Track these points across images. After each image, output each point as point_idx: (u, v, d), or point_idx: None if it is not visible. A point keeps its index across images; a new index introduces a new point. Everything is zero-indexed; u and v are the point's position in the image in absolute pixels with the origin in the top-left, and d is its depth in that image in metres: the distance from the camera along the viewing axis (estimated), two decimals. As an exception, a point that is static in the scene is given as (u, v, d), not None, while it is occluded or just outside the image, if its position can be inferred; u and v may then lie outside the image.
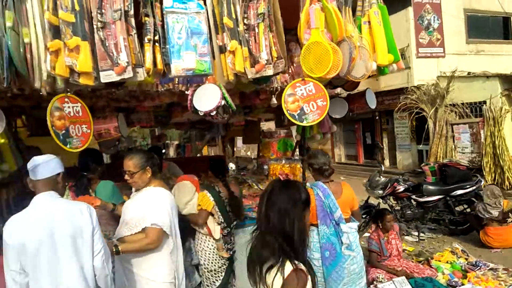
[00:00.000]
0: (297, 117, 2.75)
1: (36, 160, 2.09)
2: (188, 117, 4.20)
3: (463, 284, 4.10)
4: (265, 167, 5.09)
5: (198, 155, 11.29)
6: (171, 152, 16.60)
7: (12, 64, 2.00)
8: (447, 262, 4.63)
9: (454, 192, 5.76)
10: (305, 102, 2.72)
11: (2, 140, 2.86)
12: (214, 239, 3.17)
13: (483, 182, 6.09)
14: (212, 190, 3.26)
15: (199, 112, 2.46)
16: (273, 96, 3.50)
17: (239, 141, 12.03)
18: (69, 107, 2.27)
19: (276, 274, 1.43)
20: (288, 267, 1.44)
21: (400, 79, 12.64)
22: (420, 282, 3.85)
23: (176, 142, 16.70)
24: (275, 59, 2.52)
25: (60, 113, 2.24)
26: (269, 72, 2.52)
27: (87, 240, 2.06)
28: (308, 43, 2.60)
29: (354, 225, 2.99)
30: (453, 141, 11.97)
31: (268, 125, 8.03)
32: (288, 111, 2.74)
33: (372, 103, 3.36)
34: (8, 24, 2.02)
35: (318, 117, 2.73)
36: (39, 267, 1.97)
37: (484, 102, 10.81)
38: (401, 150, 14.73)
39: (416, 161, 13.67)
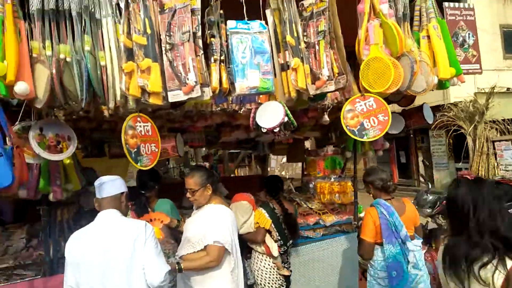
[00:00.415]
0: (357, 132, 2.71)
1: (102, 179, 2.16)
2: (237, 136, 4.24)
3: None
4: (311, 185, 5.04)
5: (232, 175, 11.35)
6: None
7: (91, 85, 2.10)
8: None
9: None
10: (365, 118, 2.69)
11: (68, 161, 2.97)
12: (272, 257, 3.13)
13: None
14: (267, 207, 3.25)
15: (262, 129, 2.47)
16: (325, 113, 3.49)
17: (273, 161, 12.04)
18: (140, 126, 2.34)
19: (495, 270, 1.55)
20: (509, 262, 1.56)
21: (435, 97, 12.36)
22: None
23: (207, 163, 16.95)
24: (336, 75, 2.53)
25: (133, 132, 2.31)
26: (330, 88, 2.52)
27: (139, 256, 2.07)
28: (368, 59, 2.59)
29: (419, 242, 2.88)
30: (495, 159, 11.50)
31: (306, 144, 8.01)
32: (348, 127, 2.72)
33: (430, 118, 3.29)
34: (87, 48, 2.13)
35: (379, 132, 2.69)
36: (91, 283, 2.00)
37: (528, 117, 10.40)
38: (438, 169, 14.26)
39: (455, 179, 13.15)
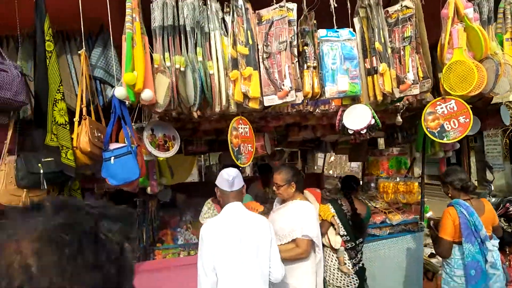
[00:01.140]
0: (437, 134, 2.81)
1: (231, 173, 2.42)
2: (305, 135, 4.43)
3: None
4: (372, 184, 5.13)
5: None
6: (247, 171, 17.19)
7: (203, 92, 2.36)
8: None
9: None
10: (446, 120, 2.78)
11: (161, 158, 3.29)
12: (334, 251, 3.27)
13: None
14: (334, 203, 3.40)
15: (349, 130, 2.64)
16: (398, 114, 3.59)
17: (320, 159, 12.09)
18: (241, 128, 2.59)
19: None
20: None
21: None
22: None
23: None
24: (421, 78, 2.64)
25: (236, 133, 2.57)
26: (415, 91, 2.65)
27: (266, 248, 2.32)
28: (450, 62, 2.68)
29: (497, 242, 2.93)
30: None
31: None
32: (428, 129, 2.82)
33: (506, 119, 3.31)
34: (200, 58, 2.40)
35: (460, 134, 2.77)
36: (228, 267, 2.25)
37: None
38: (493, 170, 13.67)
39: (510, 181, 12.59)
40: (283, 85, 2.48)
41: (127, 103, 2.34)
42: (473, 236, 2.83)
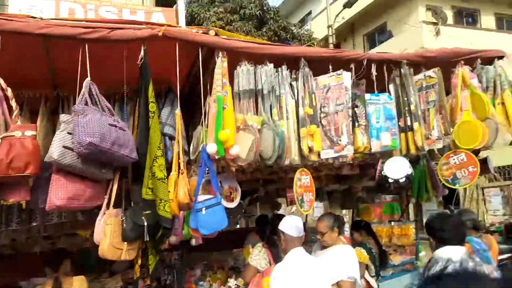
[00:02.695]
0: (450, 181, 3.37)
1: (299, 221, 2.69)
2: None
3: None
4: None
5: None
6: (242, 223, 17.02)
7: (280, 147, 2.69)
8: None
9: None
10: (458, 169, 3.35)
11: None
12: None
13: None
14: (365, 246, 3.77)
15: (389, 179, 3.10)
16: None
17: (316, 209, 12.48)
18: (304, 178, 2.92)
19: None
20: None
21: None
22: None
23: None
24: (443, 135, 3.23)
25: (300, 183, 2.89)
26: (438, 145, 3.22)
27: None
28: (460, 122, 3.32)
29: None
30: (484, 204, 12.36)
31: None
32: (443, 177, 3.38)
33: (492, 168, 4.02)
34: (276, 118, 2.76)
35: (469, 181, 3.35)
36: None
37: (514, 165, 11.46)
38: (427, 214, 15.02)
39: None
40: (340, 140, 2.91)
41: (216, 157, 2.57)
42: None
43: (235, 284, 3.64)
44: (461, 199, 12.55)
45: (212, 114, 2.58)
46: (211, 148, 2.47)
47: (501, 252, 6.17)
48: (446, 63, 3.44)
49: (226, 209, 2.64)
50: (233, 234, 5.10)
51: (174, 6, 9.50)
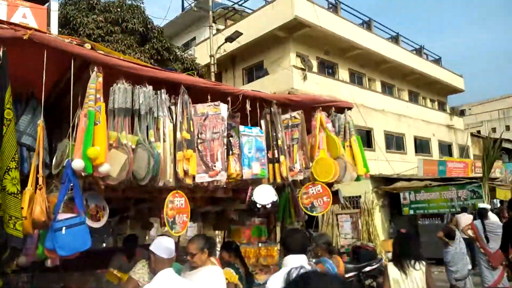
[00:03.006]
0: (308, 209, 3.81)
1: (171, 242, 2.64)
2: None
3: None
4: (234, 251, 5.73)
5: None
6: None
7: (154, 168, 2.66)
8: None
9: (365, 268, 7.24)
10: (315, 199, 3.82)
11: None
12: None
13: (383, 260, 7.77)
14: (233, 267, 3.89)
15: (257, 204, 3.32)
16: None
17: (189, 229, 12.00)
18: (177, 200, 2.91)
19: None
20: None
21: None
22: None
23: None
24: (304, 168, 3.64)
25: (172, 205, 2.86)
26: (300, 177, 3.62)
27: None
28: (317, 159, 3.81)
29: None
30: (338, 228, 14.18)
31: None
32: (303, 205, 3.79)
33: (341, 199, 4.67)
34: (152, 139, 2.73)
35: (324, 209, 3.85)
36: None
37: (360, 196, 13.46)
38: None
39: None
40: (215, 166, 3.03)
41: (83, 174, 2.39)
42: None
43: None
44: (320, 223, 14.06)
45: (81, 128, 2.41)
46: (78, 164, 2.30)
47: (348, 271, 7.06)
48: (308, 107, 3.95)
49: (91, 228, 2.44)
50: (98, 254, 4.66)
51: (46, 4, 8.60)
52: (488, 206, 7.42)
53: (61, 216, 2.32)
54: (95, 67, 2.61)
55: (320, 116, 3.92)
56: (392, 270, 3.42)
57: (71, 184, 2.32)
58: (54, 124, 3.10)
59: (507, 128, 30.79)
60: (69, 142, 2.46)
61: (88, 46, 2.69)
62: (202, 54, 16.11)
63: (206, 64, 14.59)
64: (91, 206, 2.73)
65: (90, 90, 2.49)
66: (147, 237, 7.03)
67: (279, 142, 3.45)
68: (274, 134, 3.48)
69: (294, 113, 3.71)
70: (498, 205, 11.48)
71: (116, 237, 7.36)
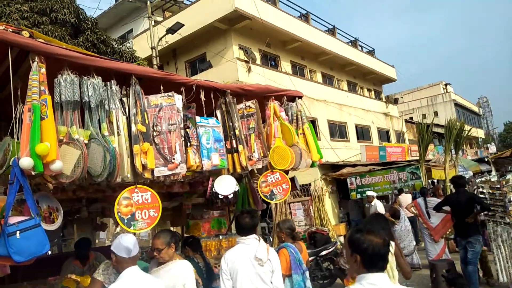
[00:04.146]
0: (268, 196, 3.84)
1: (131, 240, 2.51)
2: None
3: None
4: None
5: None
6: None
7: (111, 163, 2.50)
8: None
9: (322, 252, 7.50)
10: (274, 186, 3.86)
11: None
12: None
13: (337, 243, 8.10)
14: (191, 261, 3.81)
15: (219, 195, 3.27)
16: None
17: (102, 233, 11.43)
18: (138, 196, 2.76)
19: None
20: None
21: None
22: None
23: None
24: (262, 157, 3.65)
25: (128, 202, 2.72)
26: (259, 166, 3.62)
27: None
28: (274, 147, 3.84)
29: (308, 273, 4.06)
30: (291, 217, 14.53)
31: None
32: (263, 193, 3.81)
33: (298, 185, 4.77)
34: (106, 133, 2.56)
35: (283, 196, 3.90)
36: None
37: (310, 184, 13.88)
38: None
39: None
40: (174, 159, 2.93)
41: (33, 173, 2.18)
42: (299, 269, 3.86)
43: None
44: (273, 213, 14.25)
45: (26, 124, 2.20)
46: (26, 162, 2.10)
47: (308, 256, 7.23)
48: (261, 96, 3.96)
49: (46, 231, 2.25)
50: (46, 261, 4.30)
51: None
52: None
53: (12, 219, 2.11)
54: (36, 57, 2.39)
55: (273, 105, 3.95)
56: None
57: (19, 186, 2.11)
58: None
59: (436, 113, 33.45)
60: (12, 140, 2.23)
61: (26, 34, 2.45)
62: (140, 47, 15.50)
63: (147, 57, 14.07)
64: (43, 207, 2.51)
65: (32, 82, 2.28)
66: (96, 240, 6.67)
67: (236, 131, 3.42)
68: (231, 124, 3.45)
69: (249, 103, 3.69)
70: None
71: (61, 243, 6.90)
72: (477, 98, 54.62)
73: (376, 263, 1.77)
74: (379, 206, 9.25)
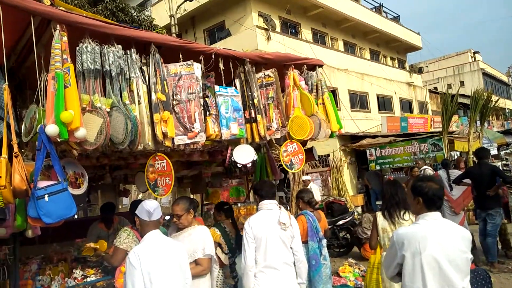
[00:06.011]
0: (289, 166, 3.86)
1: (152, 205, 2.60)
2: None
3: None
4: (211, 212, 5.78)
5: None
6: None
7: (132, 131, 2.56)
8: (349, 272, 6.20)
9: (339, 222, 7.59)
10: (293, 156, 3.88)
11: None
12: (221, 267, 3.79)
13: (355, 213, 8.16)
14: (219, 226, 3.92)
15: (238, 164, 3.32)
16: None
17: (125, 199, 11.86)
18: (158, 163, 2.84)
19: None
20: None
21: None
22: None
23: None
24: (280, 127, 3.65)
25: (152, 169, 2.80)
26: (277, 136, 3.62)
27: (185, 265, 2.66)
28: (292, 117, 3.82)
29: (325, 241, 4.14)
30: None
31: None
32: (284, 162, 3.84)
33: (316, 156, 4.76)
34: (127, 102, 2.60)
35: (299, 166, 3.92)
36: (159, 285, 2.47)
37: (328, 155, 13.85)
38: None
39: (279, 206, 15.84)
40: (193, 127, 2.96)
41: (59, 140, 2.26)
42: (315, 236, 3.94)
43: (82, 275, 3.31)
44: (291, 183, 14.38)
45: (50, 92, 2.26)
46: (52, 129, 2.17)
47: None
48: (281, 65, 3.90)
49: (73, 196, 2.36)
50: (73, 224, 4.55)
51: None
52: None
53: (41, 184, 2.22)
54: (57, 25, 2.41)
55: (293, 74, 3.89)
56: (381, 220, 3.58)
57: (47, 151, 2.20)
58: (16, 91, 2.89)
59: (462, 83, 32.26)
60: (38, 107, 2.31)
61: (47, 2, 2.46)
62: (159, 15, 15.36)
63: (165, 25, 13.95)
64: (69, 173, 2.62)
65: (55, 51, 2.31)
66: (120, 206, 6.93)
67: (255, 101, 3.41)
68: (250, 93, 3.43)
69: (268, 72, 3.65)
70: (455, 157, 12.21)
71: (86, 208, 7.22)
72: (507, 67, 52.22)
73: (435, 203, 2.24)
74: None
